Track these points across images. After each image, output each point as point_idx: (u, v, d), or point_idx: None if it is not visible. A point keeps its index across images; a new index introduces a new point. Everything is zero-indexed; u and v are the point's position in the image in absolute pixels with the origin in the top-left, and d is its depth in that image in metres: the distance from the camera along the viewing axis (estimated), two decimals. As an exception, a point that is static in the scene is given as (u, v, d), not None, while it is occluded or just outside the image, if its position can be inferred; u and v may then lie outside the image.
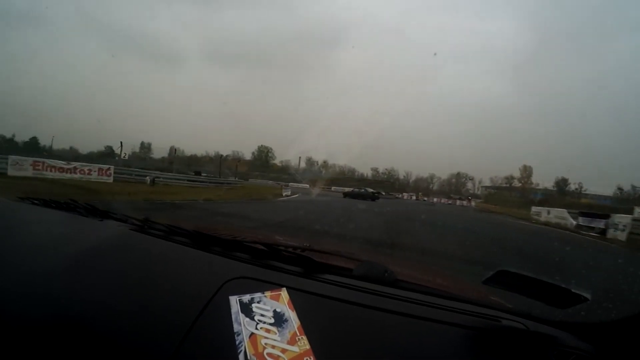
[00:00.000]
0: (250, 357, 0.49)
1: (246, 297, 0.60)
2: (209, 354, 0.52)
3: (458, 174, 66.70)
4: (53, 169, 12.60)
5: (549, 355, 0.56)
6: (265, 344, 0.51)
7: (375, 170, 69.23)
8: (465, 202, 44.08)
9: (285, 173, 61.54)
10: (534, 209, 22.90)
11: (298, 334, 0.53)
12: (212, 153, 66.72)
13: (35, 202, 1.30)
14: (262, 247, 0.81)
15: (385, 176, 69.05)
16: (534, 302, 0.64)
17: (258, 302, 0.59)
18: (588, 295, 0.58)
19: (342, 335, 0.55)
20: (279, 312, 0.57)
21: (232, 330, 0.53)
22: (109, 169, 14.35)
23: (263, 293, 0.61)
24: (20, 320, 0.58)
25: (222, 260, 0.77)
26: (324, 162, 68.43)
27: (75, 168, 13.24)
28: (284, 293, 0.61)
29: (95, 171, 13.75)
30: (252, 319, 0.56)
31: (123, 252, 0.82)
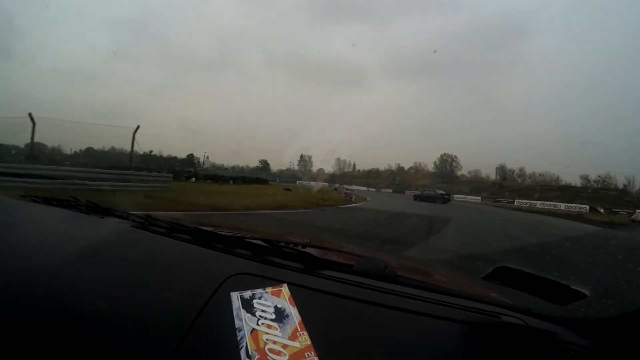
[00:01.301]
0: (251, 352, 0.49)
1: (247, 293, 0.60)
2: (210, 350, 0.52)
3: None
4: None
5: (549, 351, 0.56)
6: (267, 339, 0.52)
7: (584, 178, 51.02)
8: None
9: (474, 183, 54.52)
10: None
11: (299, 329, 0.54)
12: (393, 166, 66.21)
13: (37, 199, 1.30)
14: (263, 244, 0.81)
15: (598, 185, 48.63)
16: (533, 299, 0.64)
17: (259, 298, 0.59)
18: (587, 292, 0.58)
19: (342, 331, 0.56)
20: (280, 308, 0.58)
21: (234, 326, 0.54)
22: None
23: (264, 289, 0.61)
24: (21, 318, 0.59)
25: (223, 256, 0.78)
26: (520, 169, 57.32)
27: None
28: (284, 289, 0.62)
29: None
30: (254, 314, 0.56)
31: (124, 249, 0.82)
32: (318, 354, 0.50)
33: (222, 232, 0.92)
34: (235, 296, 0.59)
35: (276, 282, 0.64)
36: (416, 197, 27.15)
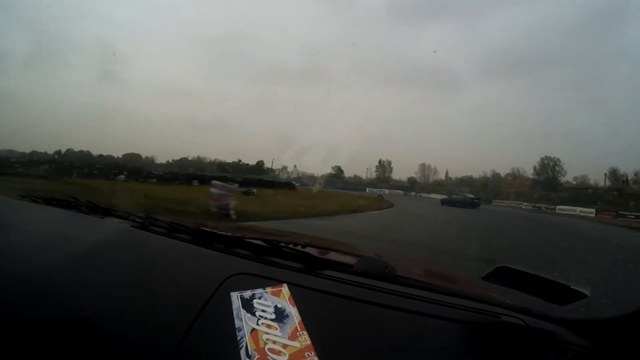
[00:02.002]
0: (251, 352, 0.49)
1: (247, 293, 0.60)
2: (210, 350, 0.52)
3: None
4: None
5: (549, 351, 0.56)
6: (267, 339, 0.52)
7: None
8: None
9: (582, 190, 43.19)
10: None
11: (299, 329, 0.54)
12: (489, 172, 58.64)
13: (37, 200, 1.30)
14: (263, 244, 0.81)
15: None
16: (533, 299, 0.64)
17: (259, 298, 0.59)
18: (587, 292, 0.58)
19: (342, 331, 0.56)
20: (280, 308, 0.58)
21: (234, 326, 0.54)
22: None
23: (264, 289, 0.61)
24: (21, 318, 0.59)
25: (223, 256, 0.78)
26: (636, 173, 44.41)
27: None
28: (284, 289, 0.62)
29: None
30: (254, 314, 0.56)
31: (124, 249, 0.82)
32: (318, 354, 0.50)
33: (222, 232, 0.92)
34: (235, 296, 0.59)
35: (276, 282, 0.64)
36: (444, 202, 25.74)
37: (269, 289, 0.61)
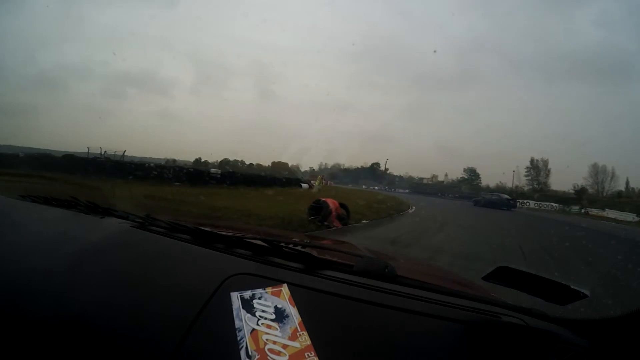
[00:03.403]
0: (251, 352, 0.49)
1: (247, 293, 0.60)
2: (210, 350, 0.52)
3: None
4: None
5: (548, 351, 0.57)
6: (267, 339, 0.52)
7: None
8: None
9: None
10: None
11: (299, 329, 0.54)
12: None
13: (37, 199, 1.30)
14: (263, 244, 0.81)
15: None
16: (533, 299, 0.64)
17: (259, 298, 0.59)
18: (587, 292, 0.58)
19: (342, 331, 0.56)
20: (280, 308, 0.58)
21: (234, 326, 0.54)
22: None
23: (264, 289, 0.61)
24: (21, 318, 0.59)
25: (223, 256, 0.78)
26: None
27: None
28: (284, 289, 0.62)
29: None
30: (254, 315, 0.56)
31: (124, 250, 0.82)
32: (318, 354, 0.50)
33: (222, 232, 0.92)
34: (235, 296, 0.59)
35: (276, 282, 0.64)
36: (476, 203, 22.99)
37: (269, 289, 0.62)
